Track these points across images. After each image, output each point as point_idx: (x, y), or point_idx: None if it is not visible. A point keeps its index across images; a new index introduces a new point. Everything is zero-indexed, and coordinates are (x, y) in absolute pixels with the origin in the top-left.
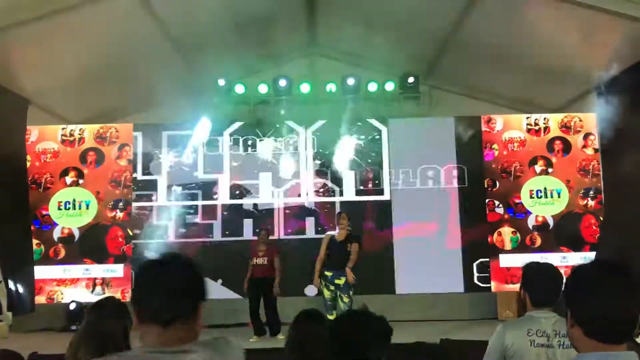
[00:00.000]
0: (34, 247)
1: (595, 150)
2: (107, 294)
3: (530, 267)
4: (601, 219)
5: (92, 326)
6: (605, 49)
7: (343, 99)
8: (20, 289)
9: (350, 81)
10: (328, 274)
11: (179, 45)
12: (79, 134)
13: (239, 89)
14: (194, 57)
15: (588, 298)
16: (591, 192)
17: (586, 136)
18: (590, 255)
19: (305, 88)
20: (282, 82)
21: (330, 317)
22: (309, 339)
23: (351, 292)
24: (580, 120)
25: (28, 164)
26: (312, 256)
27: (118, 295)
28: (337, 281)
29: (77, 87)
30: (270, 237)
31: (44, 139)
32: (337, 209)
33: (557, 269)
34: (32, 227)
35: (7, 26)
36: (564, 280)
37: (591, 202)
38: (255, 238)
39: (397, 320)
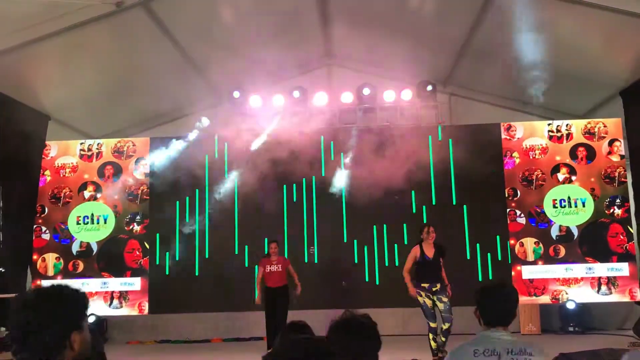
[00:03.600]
0: (54, 261)
1: (621, 157)
2: (94, 317)
3: (482, 289)
4: (629, 228)
5: None
6: (630, 52)
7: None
8: None
9: (366, 90)
10: (425, 285)
11: (193, 58)
12: (97, 149)
13: (255, 100)
14: (208, 70)
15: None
16: (617, 200)
17: (611, 142)
18: (618, 266)
19: (321, 99)
20: (297, 94)
21: (433, 325)
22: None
23: (446, 293)
24: (605, 126)
25: (48, 178)
26: None
27: (135, 309)
28: (434, 289)
29: (96, 101)
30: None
31: (63, 153)
32: None
33: (511, 292)
34: (44, 242)
35: (25, 43)
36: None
37: (618, 211)
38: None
39: (412, 335)
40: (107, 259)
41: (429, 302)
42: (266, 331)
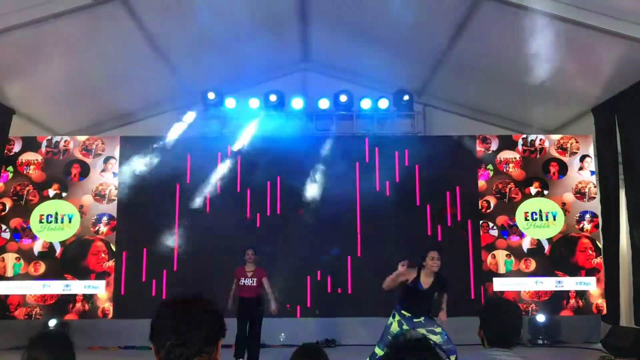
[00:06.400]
0: (14, 261)
1: (592, 173)
2: (55, 321)
3: (486, 306)
4: (598, 243)
5: None
6: (603, 69)
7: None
8: None
9: (343, 97)
10: (406, 313)
11: (168, 57)
12: (64, 146)
13: (230, 102)
14: (183, 69)
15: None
16: (587, 216)
17: (582, 158)
18: (586, 281)
19: (297, 103)
20: (273, 97)
21: (377, 352)
22: None
23: (435, 322)
24: (577, 142)
25: (10, 175)
26: None
27: (99, 313)
28: (416, 320)
29: (64, 97)
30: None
31: (28, 149)
32: None
33: (514, 308)
34: (3, 241)
35: None
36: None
37: (587, 226)
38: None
39: None
40: (71, 260)
41: (395, 327)
42: (236, 341)
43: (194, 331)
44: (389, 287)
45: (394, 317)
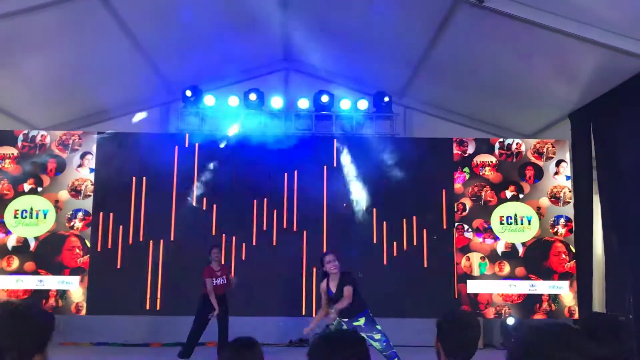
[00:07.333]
0: None
1: (567, 178)
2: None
3: (444, 317)
4: (571, 248)
5: None
6: (581, 76)
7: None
8: None
9: (325, 98)
10: (343, 319)
11: (148, 53)
12: (40, 140)
13: (209, 100)
14: (162, 66)
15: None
16: (562, 220)
17: (558, 163)
18: (559, 285)
19: (277, 102)
20: (253, 96)
21: None
22: None
23: (378, 326)
24: (553, 147)
25: None
26: None
27: (72, 309)
28: (355, 323)
29: (41, 91)
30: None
31: (3, 143)
32: None
33: (473, 320)
34: None
35: None
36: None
37: (562, 230)
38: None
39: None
40: (45, 256)
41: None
42: (189, 338)
43: (7, 352)
44: (324, 307)
45: (337, 322)
